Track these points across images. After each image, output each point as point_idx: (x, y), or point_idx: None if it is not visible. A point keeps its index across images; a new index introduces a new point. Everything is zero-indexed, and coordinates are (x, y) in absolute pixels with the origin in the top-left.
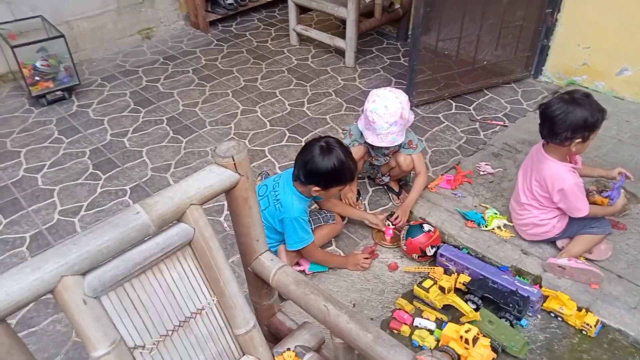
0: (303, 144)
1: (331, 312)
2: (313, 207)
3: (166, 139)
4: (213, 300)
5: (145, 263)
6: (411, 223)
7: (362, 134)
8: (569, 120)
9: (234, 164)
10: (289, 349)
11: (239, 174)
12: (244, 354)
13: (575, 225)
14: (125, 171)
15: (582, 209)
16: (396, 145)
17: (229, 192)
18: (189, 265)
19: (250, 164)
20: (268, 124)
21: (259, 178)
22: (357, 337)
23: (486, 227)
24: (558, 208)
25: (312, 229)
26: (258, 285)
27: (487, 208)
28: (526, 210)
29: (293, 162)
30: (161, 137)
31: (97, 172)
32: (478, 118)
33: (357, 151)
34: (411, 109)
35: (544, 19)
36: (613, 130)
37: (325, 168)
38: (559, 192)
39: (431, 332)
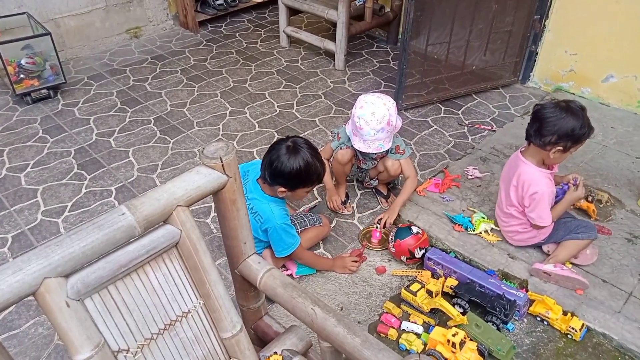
0: None
1: (318, 316)
2: (301, 209)
3: (153, 140)
4: (199, 302)
5: (131, 265)
6: (399, 225)
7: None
8: (558, 125)
9: (222, 165)
10: (275, 353)
11: (226, 175)
12: (230, 358)
13: (561, 231)
14: (111, 171)
15: (546, 218)
16: (384, 151)
17: (216, 193)
18: (175, 268)
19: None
20: (257, 125)
21: None
22: (345, 340)
23: (473, 231)
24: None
25: (298, 231)
26: (245, 288)
27: (474, 212)
28: (509, 217)
29: None
30: (148, 137)
31: (82, 172)
32: (466, 122)
33: (344, 154)
34: (400, 112)
35: (532, 25)
36: (599, 137)
37: (290, 168)
38: (531, 197)
39: (418, 335)
